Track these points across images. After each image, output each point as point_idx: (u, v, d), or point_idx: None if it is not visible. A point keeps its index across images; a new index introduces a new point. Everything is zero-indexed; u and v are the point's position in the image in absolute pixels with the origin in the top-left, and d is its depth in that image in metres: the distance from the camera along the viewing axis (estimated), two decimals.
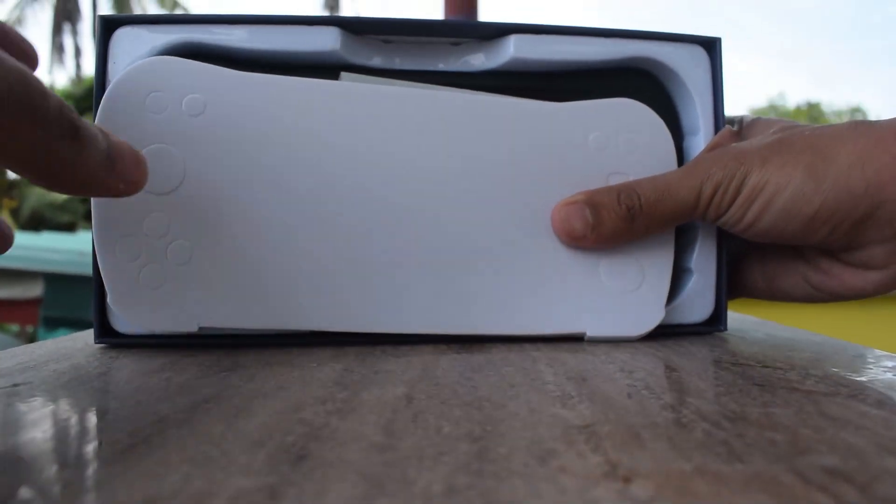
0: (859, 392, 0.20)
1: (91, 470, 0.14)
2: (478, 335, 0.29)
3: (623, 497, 0.12)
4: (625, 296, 0.30)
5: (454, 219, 0.29)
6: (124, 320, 0.28)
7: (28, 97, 0.18)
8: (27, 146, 0.18)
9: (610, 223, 0.28)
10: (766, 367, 0.24)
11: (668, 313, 0.30)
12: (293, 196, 0.28)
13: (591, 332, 0.29)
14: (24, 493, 0.13)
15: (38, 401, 0.20)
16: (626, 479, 0.13)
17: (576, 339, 0.30)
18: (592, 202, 0.29)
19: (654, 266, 0.30)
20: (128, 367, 0.25)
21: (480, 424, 0.17)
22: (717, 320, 0.32)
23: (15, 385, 0.22)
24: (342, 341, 0.29)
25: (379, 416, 0.18)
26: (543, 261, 0.29)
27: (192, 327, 0.27)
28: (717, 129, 0.32)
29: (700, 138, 0.32)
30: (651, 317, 0.30)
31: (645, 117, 0.31)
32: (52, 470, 0.14)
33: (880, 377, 0.23)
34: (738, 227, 0.29)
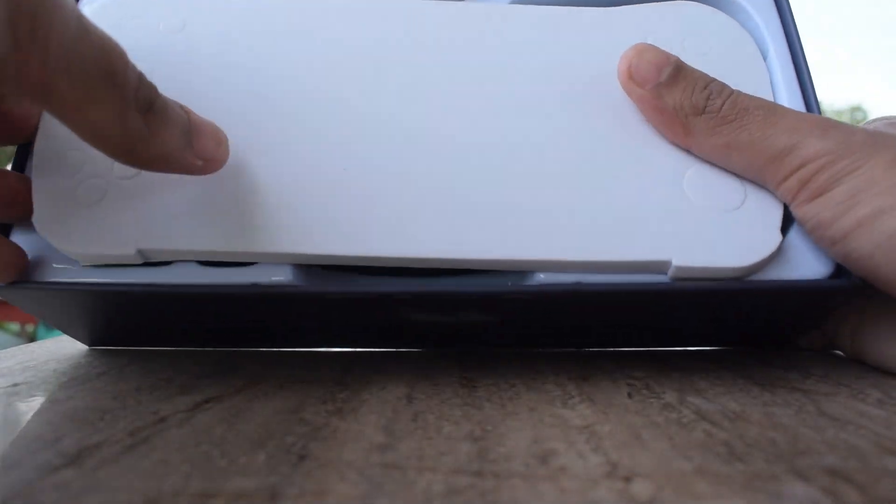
0: (860, 392, 0.20)
1: (91, 470, 0.14)
2: (533, 262, 0.22)
3: (623, 497, 0.12)
4: (722, 216, 0.22)
5: (496, 135, 0.24)
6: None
7: (110, 69, 0.18)
8: (102, 118, 0.18)
9: (676, 97, 0.22)
10: (767, 365, 0.24)
11: (770, 268, 0.22)
12: (267, 113, 0.24)
13: (678, 261, 0.21)
14: (25, 493, 0.13)
15: (38, 400, 0.20)
16: (627, 479, 0.13)
17: (657, 273, 0.22)
18: (679, 67, 0.22)
19: None
20: (128, 366, 0.25)
21: (480, 424, 0.17)
22: (842, 271, 0.22)
23: (15, 384, 0.22)
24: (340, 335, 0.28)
25: (379, 415, 0.18)
26: (608, 178, 0.23)
27: (129, 250, 0.22)
28: (791, 45, 0.25)
29: (772, 59, 0.25)
30: (762, 241, 0.22)
31: (716, 21, 0.26)
32: (52, 470, 0.14)
33: (881, 376, 0.22)
34: (824, 236, 0.21)
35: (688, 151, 0.23)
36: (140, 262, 0.22)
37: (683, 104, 0.22)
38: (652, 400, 0.19)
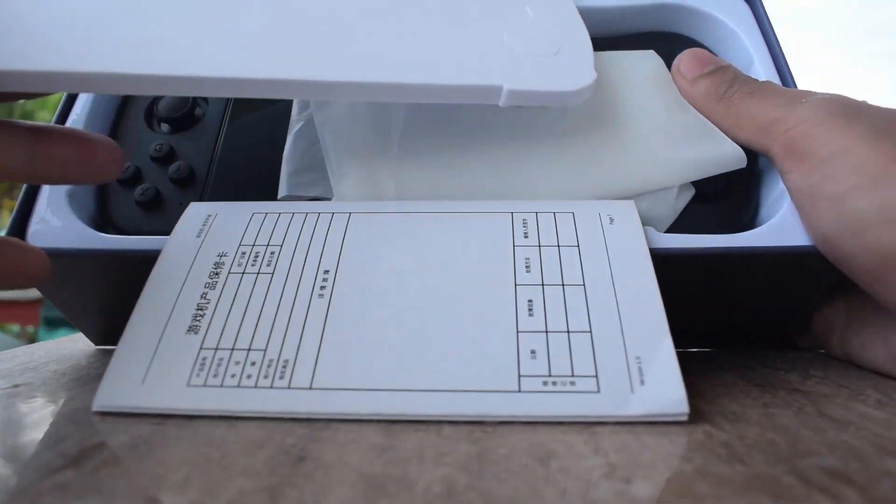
0: (860, 393, 0.20)
1: (92, 471, 0.14)
2: (375, 85, 0.23)
3: (623, 497, 0.12)
4: (544, 59, 0.25)
5: None
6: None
7: None
8: None
9: (705, 86, 0.27)
10: (767, 367, 0.24)
11: (763, 236, 0.24)
12: None
13: (510, 85, 0.23)
14: (26, 494, 0.13)
15: (38, 401, 0.20)
16: (627, 480, 0.13)
17: (490, 100, 0.24)
18: (719, 68, 0.27)
19: (567, 33, 0.26)
20: None
21: (480, 425, 0.17)
22: None
23: (15, 385, 0.22)
24: None
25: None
26: (441, 25, 0.25)
27: None
28: (774, 57, 0.29)
29: (757, 68, 0.29)
30: (582, 75, 0.25)
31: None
32: (52, 471, 0.14)
33: (880, 378, 0.22)
34: (808, 208, 0.22)
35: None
36: None
37: (710, 92, 0.26)
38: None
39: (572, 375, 0.18)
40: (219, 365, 0.19)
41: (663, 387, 0.18)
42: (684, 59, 0.28)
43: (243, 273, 0.21)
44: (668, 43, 0.31)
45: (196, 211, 0.24)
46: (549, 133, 0.26)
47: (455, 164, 0.25)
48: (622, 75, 0.28)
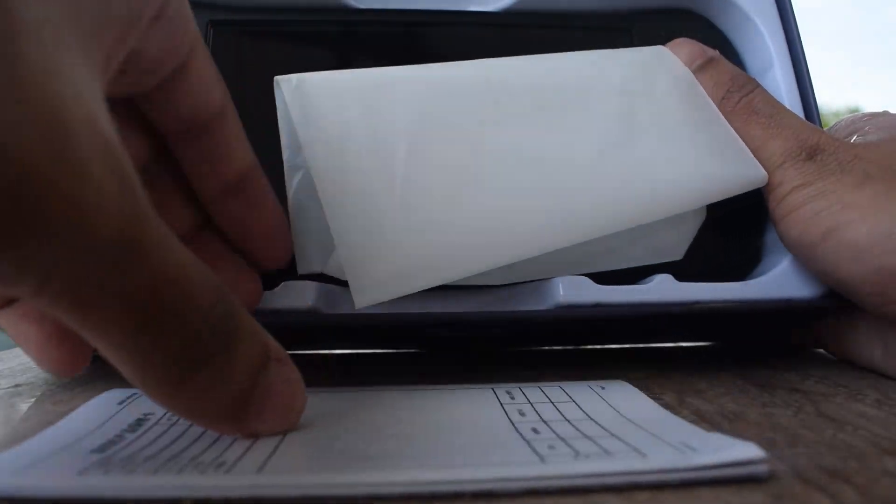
0: (858, 392, 0.20)
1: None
2: None
3: (623, 497, 0.13)
4: None
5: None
6: None
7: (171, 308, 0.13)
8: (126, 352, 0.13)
9: (708, 83, 0.24)
10: (766, 366, 0.24)
11: (766, 287, 0.24)
12: None
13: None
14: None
15: (39, 401, 0.20)
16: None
17: None
18: (711, 60, 0.25)
19: None
20: None
21: None
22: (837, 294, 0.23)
23: (17, 385, 0.22)
24: None
25: None
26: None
27: None
28: (794, 60, 0.27)
29: (776, 72, 0.27)
30: None
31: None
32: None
33: (879, 377, 0.23)
34: (801, 252, 0.23)
35: None
36: None
37: (710, 89, 0.24)
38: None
39: (599, 448, 0.15)
40: (129, 457, 0.14)
41: (720, 442, 0.15)
42: (671, 50, 0.25)
43: (173, 424, 0.17)
44: (681, 21, 0.28)
45: (112, 395, 0.19)
46: (570, 160, 0.22)
47: (472, 211, 0.21)
48: (639, 82, 0.24)
